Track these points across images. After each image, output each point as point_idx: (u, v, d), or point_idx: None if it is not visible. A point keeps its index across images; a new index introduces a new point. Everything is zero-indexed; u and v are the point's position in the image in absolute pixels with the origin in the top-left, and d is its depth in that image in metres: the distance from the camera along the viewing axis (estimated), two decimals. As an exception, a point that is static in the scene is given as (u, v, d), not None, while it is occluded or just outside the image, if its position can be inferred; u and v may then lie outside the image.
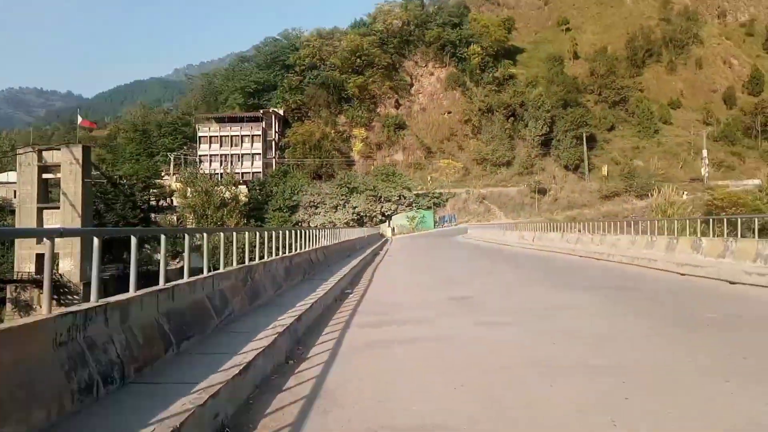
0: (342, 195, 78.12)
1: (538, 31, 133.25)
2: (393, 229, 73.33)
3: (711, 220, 23.51)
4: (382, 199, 78.79)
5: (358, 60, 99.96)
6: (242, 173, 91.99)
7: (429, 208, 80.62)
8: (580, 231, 32.19)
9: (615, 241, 23.36)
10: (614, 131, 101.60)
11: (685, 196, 77.37)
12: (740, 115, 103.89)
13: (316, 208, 78.26)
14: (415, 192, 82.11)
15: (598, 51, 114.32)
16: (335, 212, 77.47)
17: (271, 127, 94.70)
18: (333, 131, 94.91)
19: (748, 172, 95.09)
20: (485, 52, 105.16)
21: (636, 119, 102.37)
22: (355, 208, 77.48)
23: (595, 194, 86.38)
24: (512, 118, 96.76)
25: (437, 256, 28.67)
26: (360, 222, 76.89)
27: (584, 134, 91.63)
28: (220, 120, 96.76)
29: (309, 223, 76.10)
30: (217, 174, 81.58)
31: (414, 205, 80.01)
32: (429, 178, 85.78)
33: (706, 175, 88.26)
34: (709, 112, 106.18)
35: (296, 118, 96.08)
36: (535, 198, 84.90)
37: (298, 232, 15.69)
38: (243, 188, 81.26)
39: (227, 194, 73.34)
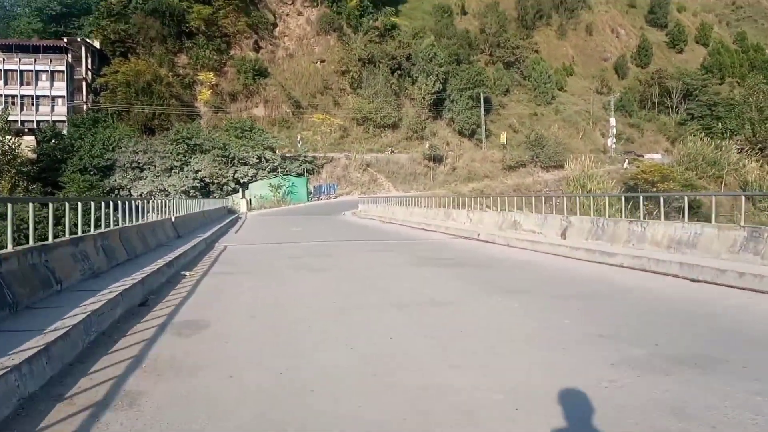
0: (179, 154, 56.48)
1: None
2: (249, 202, 53.70)
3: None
4: (236, 162, 58.32)
5: (205, -15, 76.96)
6: (37, 121, 66.38)
7: (301, 174, 61.45)
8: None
9: None
10: (509, 95, 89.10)
11: (626, 165, 66.36)
12: (636, 86, 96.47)
13: (142, 170, 55.95)
14: (280, 154, 62.51)
15: (488, 7, 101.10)
16: (169, 176, 55.77)
17: (81, 62, 69.26)
18: (170, 74, 71.61)
19: (647, 146, 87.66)
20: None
21: (532, 83, 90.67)
22: (197, 171, 56.34)
23: (498, 164, 72.73)
24: (398, 72, 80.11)
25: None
26: (205, 191, 56.10)
27: (481, 94, 77.49)
28: (5, 48, 69.37)
29: (130, 190, 54.04)
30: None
31: (280, 170, 60.43)
32: (299, 137, 66.39)
33: (613, 146, 78.43)
34: (604, 81, 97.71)
35: (118, 53, 71.26)
36: (430, 167, 69.17)
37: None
38: (30, 139, 56.71)
39: (-3, 146, 49.25)
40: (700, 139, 72.95)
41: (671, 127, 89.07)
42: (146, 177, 55.54)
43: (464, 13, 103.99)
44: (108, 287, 7.81)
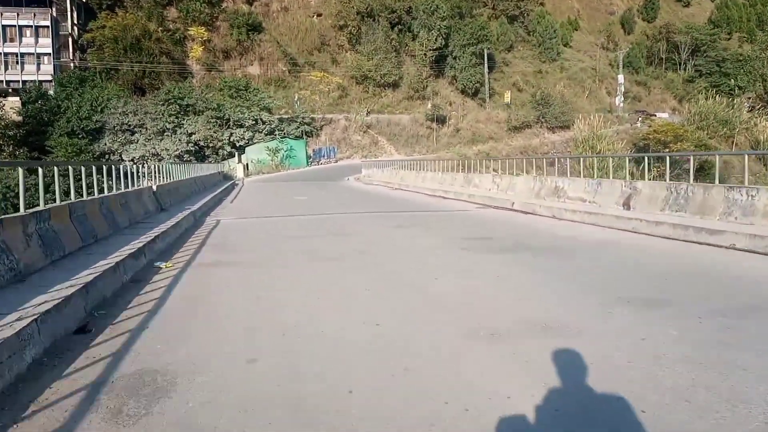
0: (171, 115, 53.93)
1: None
2: (246, 167, 51.68)
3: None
4: (232, 124, 55.89)
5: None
6: (22, 81, 63.44)
7: (299, 137, 59.12)
8: None
9: None
10: (513, 52, 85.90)
11: (638, 124, 64.30)
12: (644, 41, 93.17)
13: (132, 133, 53.49)
14: (278, 116, 59.98)
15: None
16: (162, 140, 53.40)
17: (67, 16, 65.81)
18: (160, 29, 68.30)
19: (654, 104, 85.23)
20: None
21: (536, 38, 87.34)
22: (191, 134, 53.95)
23: (502, 125, 70.40)
24: (398, 27, 76.74)
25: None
26: (200, 155, 53.89)
27: (484, 50, 74.39)
28: (-16, 2, 65.81)
29: (121, 155, 51.75)
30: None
31: (277, 133, 58.08)
32: (297, 96, 63.70)
33: (621, 105, 75.93)
34: (610, 36, 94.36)
35: (105, 6, 67.64)
36: (433, 128, 66.81)
37: None
38: (15, 100, 54.00)
39: (-23, 108, 46.64)
40: (711, 96, 70.50)
41: (678, 85, 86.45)
42: (137, 140, 53.13)
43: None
44: (24, 305, 4.83)
